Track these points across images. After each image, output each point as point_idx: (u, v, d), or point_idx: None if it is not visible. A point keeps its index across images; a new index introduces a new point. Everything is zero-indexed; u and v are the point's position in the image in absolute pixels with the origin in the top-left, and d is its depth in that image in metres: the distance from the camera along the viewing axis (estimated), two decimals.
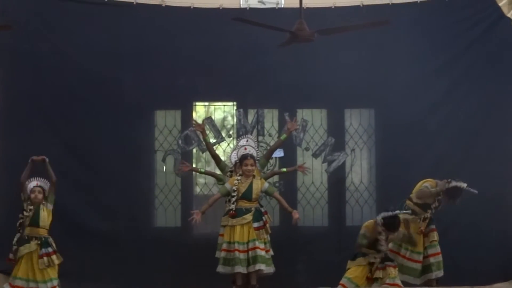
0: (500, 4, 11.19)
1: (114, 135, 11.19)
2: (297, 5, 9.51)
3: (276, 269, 9.78)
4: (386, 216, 8.72)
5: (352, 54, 11.13)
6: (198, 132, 10.70)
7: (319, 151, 11.47)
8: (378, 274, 8.76)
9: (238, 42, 11.30)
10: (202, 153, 11.41)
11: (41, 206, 9.38)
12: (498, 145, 11.24)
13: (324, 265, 10.78)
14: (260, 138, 11.41)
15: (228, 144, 11.50)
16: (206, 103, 11.83)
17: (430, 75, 11.32)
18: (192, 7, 11.35)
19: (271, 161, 11.20)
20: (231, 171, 10.25)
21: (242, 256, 9.56)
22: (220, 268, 9.70)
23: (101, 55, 11.20)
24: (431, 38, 11.33)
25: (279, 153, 10.99)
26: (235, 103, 11.65)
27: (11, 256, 9.36)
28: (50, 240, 9.38)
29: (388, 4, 11.37)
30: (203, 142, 10.58)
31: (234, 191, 9.71)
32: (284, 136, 10.33)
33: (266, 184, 9.87)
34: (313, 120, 11.58)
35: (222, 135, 11.51)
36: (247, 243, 9.61)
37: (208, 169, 11.14)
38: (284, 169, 10.74)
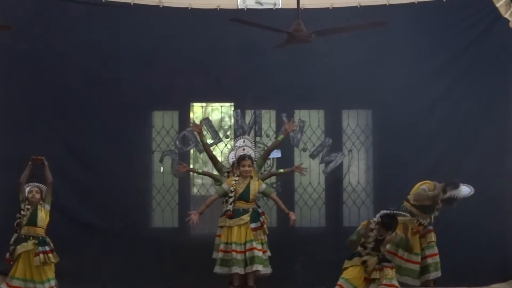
0: (497, 5, 11.19)
1: (112, 135, 11.19)
2: (295, 6, 9.51)
3: (273, 269, 9.78)
4: (385, 214, 8.71)
5: (350, 55, 11.12)
6: (196, 133, 10.69)
7: (317, 151, 11.48)
8: (375, 275, 8.74)
9: (235, 42, 11.31)
10: (200, 153, 11.42)
11: (39, 206, 9.40)
12: (497, 146, 11.23)
13: (322, 265, 10.77)
14: (258, 138, 11.41)
15: (226, 145, 11.50)
16: (204, 104, 11.84)
17: (427, 76, 11.32)
18: (189, 8, 11.36)
19: (268, 162, 11.21)
20: (228, 172, 10.26)
21: (239, 256, 9.56)
22: (218, 269, 9.70)
23: (99, 56, 11.21)
24: (428, 39, 11.34)
25: (276, 153, 10.99)
26: (232, 103, 11.66)
27: (7, 255, 9.37)
28: (48, 239, 9.39)
29: (385, 5, 11.38)
30: (201, 143, 10.58)
31: (231, 191, 9.71)
32: (281, 136, 10.33)
33: (263, 185, 9.87)
34: (311, 121, 11.58)
35: (219, 136, 11.51)
36: (245, 243, 9.61)
37: (205, 169, 11.16)
38: (282, 170, 10.74)
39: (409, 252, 9.53)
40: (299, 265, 11.12)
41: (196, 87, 11.41)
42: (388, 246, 9.32)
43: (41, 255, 9.22)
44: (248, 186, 9.74)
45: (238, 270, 9.52)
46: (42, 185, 9.51)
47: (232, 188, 9.71)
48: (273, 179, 11.26)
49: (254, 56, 11.30)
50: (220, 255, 9.69)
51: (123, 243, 11.03)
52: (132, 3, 11.28)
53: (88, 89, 11.20)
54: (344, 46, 10.92)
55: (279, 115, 11.41)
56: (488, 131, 11.23)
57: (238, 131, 11.32)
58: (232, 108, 11.60)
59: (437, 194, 9.51)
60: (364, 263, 8.79)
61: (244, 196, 9.73)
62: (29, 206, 9.37)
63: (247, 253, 9.58)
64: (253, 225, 9.68)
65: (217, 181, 10.36)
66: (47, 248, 9.31)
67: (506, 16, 11.20)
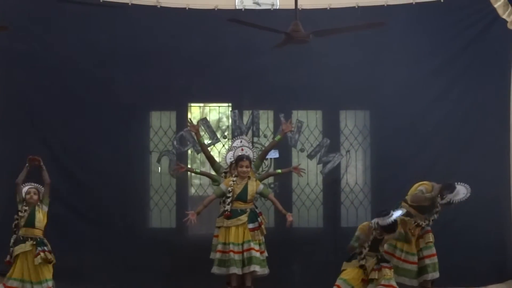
0: (495, 6, 11.19)
1: (109, 135, 11.18)
2: (293, 6, 9.50)
3: (271, 270, 9.78)
4: (384, 225, 8.71)
5: (347, 56, 11.11)
6: (193, 133, 10.68)
7: (314, 152, 11.47)
8: (373, 275, 8.74)
9: (233, 43, 11.30)
10: (197, 154, 11.40)
11: (36, 207, 9.37)
12: (495, 146, 11.23)
13: (319, 266, 10.79)
14: (255, 139, 11.41)
15: (223, 145, 11.50)
16: (201, 104, 11.84)
17: (425, 77, 11.32)
18: (187, 8, 11.35)
19: (266, 162, 11.21)
20: (225, 172, 10.25)
21: (237, 257, 9.56)
22: (215, 269, 9.70)
23: (97, 56, 11.20)
24: (426, 39, 11.33)
25: (274, 154, 10.97)
26: (230, 104, 11.65)
27: (8, 258, 9.33)
28: (45, 241, 9.36)
29: (383, 5, 11.37)
30: (198, 143, 10.58)
31: (229, 192, 9.71)
32: (278, 137, 10.34)
33: (261, 186, 9.88)
34: (308, 121, 11.58)
35: (217, 136, 11.50)
36: (242, 244, 9.61)
37: (203, 169, 11.14)
38: (279, 170, 10.74)
39: (407, 249, 9.55)
40: (297, 265, 11.12)
41: (194, 87, 11.40)
42: (386, 247, 9.33)
43: (42, 253, 9.19)
44: (246, 187, 9.74)
45: (235, 270, 9.53)
46: (40, 186, 9.49)
47: (230, 189, 9.72)
48: (270, 179, 11.26)
49: (252, 56, 11.29)
50: (218, 255, 9.70)
51: (121, 243, 11.01)
52: (129, 4, 11.27)
53: (86, 89, 11.19)
54: (342, 47, 10.91)
55: (276, 116, 11.40)
56: (486, 132, 11.23)
57: (236, 132, 11.32)
58: (230, 109, 11.59)
59: (435, 195, 9.52)
60: (362, 266, 8.79)
61: (242, 196, 9.73)
62: (26, 207, 9.35)
63: (245, 254, 9.59)
64: (250, 226, 9.69)
65: (214, 181, 10.35)
66: (45, 248, 9.28)
67: (504, 16, 11.20)
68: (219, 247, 9.69)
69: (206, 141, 11.10)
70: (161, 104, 11.53)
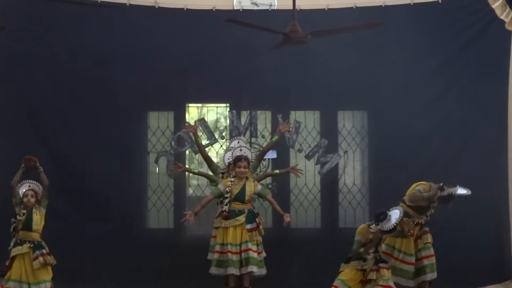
0: (493, 6, 11.19)
1: (107, 136, 11.17)
2: (290, 7, 9.51)
3: (268, 270, 9.79)
4: (386, 230, 8.70)
5: (345, 56, 11.11)
6: (191, 134, 10.68)
7: (312, 152, 11.47)
8: (372, 275, 8.74)
9: (231, 43, 11.30)
10: (195, 154, 11.39)
11: (34, 210, 9.27)
12: (493, 147, 11.24)
13: (317, 266, 10.77)
14: (253, 139, 11.41)
15: (221, 146, 11.49)
16: (199, 105, 11.84)
17: (423, 77, 11.32)
18: (185, 9, 11.35)
19: (264, 163, 11.21)
20: (222, 173, 10.25)
21: (235, 257, 9.57)
22: (213, 270, 9.71)
23: (95, 56, 11.19)
24: (424, 40, 11.34)
25: (272, 154, 10.98)
26: (228, 104, 11.65)
27: (7, 263, 9.27)
28: (43, 243, 9.28)
29: (381, 6, 11.37)
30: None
31: (227, 192, 9.71)
32: (276, 137, 10.33)
33: (259, 186, 9.88)
34: (306, 122, 11.58)
35: (215, 137, 11.49)
36: (240, 244, 9.62)
37: (201, 170, 11.13)
38: (277, 171, 10.74)
39: (405, 250, 9.55)
40: (295, 266, 11.11)
41: (192, 88, 11.40)
42: (383, 247, 9.33)
43: (41, 258, 9.13)
44: (243, 187, 9.74)
45: (233, 271, 9.54)
46: (38, 184, 9.35)
47: (227, 189, 9.72)
48: (268, 180, 11.25)
49: (250, 57, 11.29)
50: (215, 256, 9.70)
51: (118, 243, 11.01)
52: (127, 4, 11.26)
53: (84, 89, 11.18)
54: (340, 47, 10.91)
55: (274, 116, 11.41)
56: (484, 132, 11.22)
57: (234, 132, 11.31)
58: (228, 109, 11.59)
59: (433, 195, 9.51)
60: (364, 270, 8.79)
61: (240, 197, 9.73)
62: (24, 211, 9.27)
63: (243, 254, 9.59)
64: (248, 226, 9.69)
65: (212, 181, 10.35)
66: (44, 251, 9.22)
67: (502, 17, 11.21)
68: (217, 247, 9.69)
69: (204, 142, 11.10)
70: (159, 105, 11.53)
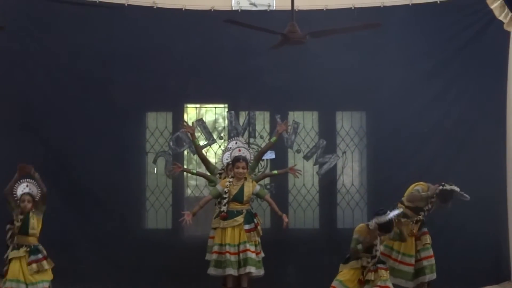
0: (491, 7, 11.20)
1: (105, 136, 11.16)
2: (289, 7, 9.50)
3: (267, 271, 9.78)
4: (381, 223, 8.69)
5: (344, 57, 11.09)
6: (189, 134, 10.67)
7: (311, 153, 11.46)
8: (370, 276, 8.73)
9: (229, 44, 11.29)
10: (193, 155, 11.38)
11: (30, 213, 9.17)
12: (491, 147, 11.24)
13: (315, 267, 10.78)
14: (252, 140, 11.41)
15: (219, 146, 11.48)
16: (198, 105, 11.84)
17: (421, 78, 11.32)
18: (183, 9, 11.34)
19: (262, 163, 11.21)
20: (220, 173, 10.24)
21: (233, 258, 9.57)
22: (212, 270, 9.71)
23: (93, 56, 11.18)
24: (423, 40, 11.33)
25: (270, 155, 10.98)
26: (226, 105, 11.64)
27: (6, 268, 9.23)
28: (40, 247, 9.21)
29: (379, 6, 11.36)
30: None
31: (225, 193, 9.71)
32: (274, 138, 10.33)
33: (257, 187, 9.87)
34: (305, 122, 11.58)
35: (213, 137, 11.49)
36: (238, 245, 9.61)
37: (199, 170, 11.12)
38: (275, 171, 10.73)
39: (404, 251, 9.55)
40: (293, 266, 11.13)
41: (190, 88, 11.40)
42: (382, 248, 9.32)
43: (34, 265, 9.08)
44: (242, 188, 9.74)
45: (232, 271, 9.54)
46: (35, 183, 9.26)
47: (226, 190, 9.71)
48: (267, 180, 11.25)
49: (248, 57, 11.27)
50: (214, 256, 9.70)
51: (117, 244, 11.01)
52: (126, 4, 11.25)
53: (82, 89, 11.17)
54: (339, 48, 10.90)
55: (273, 117, 11.40)
56: (483, 133, 11.23)
57: (232, 133, 11.31)
58: (226, 110, 11.59)
59: (431, 195, 9.52)
60: (364, 267, 8.78)
61: (238, 197, 9.73)
62: (21, 216, 9.17)
63: (241, 255, 9.59)
64: (247, 227, 9.69)
65: (211, 182, 10.34)
66: (39, 256, 9.14)
67: (501, 18, 11.21)
68: (215, 248, 9.69)
69: (202, 142, 11.10)
70: (157, 105, 11.52)
